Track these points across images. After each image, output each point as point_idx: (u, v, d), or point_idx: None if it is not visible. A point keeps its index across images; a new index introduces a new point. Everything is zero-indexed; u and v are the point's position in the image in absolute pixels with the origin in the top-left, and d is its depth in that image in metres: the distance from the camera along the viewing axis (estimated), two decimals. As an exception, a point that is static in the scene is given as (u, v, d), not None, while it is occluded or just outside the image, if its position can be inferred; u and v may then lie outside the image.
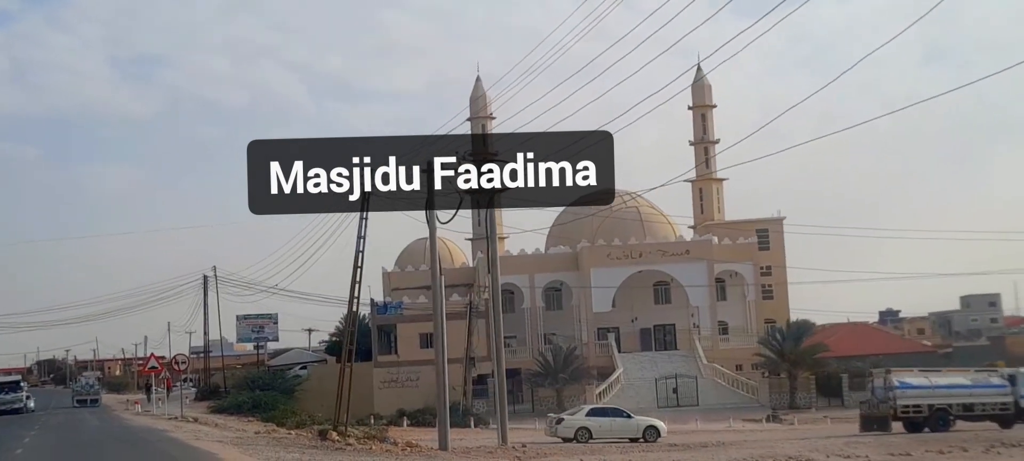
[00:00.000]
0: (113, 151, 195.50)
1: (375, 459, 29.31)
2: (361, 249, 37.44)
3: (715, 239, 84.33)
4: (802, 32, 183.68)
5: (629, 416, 48.67)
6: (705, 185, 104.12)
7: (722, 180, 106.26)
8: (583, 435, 45.87)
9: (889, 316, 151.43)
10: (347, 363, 39.14)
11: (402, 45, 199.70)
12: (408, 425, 65.42)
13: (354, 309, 38.32)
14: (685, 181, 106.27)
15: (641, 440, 46.17)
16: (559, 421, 47.40)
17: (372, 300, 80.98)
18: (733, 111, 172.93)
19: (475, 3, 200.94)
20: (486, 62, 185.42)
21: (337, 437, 35.71)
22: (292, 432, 47.51)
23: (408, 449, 34.20)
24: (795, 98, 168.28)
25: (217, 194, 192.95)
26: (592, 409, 49.68)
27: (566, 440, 45.96)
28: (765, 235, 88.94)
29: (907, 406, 45.57)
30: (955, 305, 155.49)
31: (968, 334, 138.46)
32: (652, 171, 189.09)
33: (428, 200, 36.09)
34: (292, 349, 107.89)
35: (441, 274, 37.04)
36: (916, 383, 46.34)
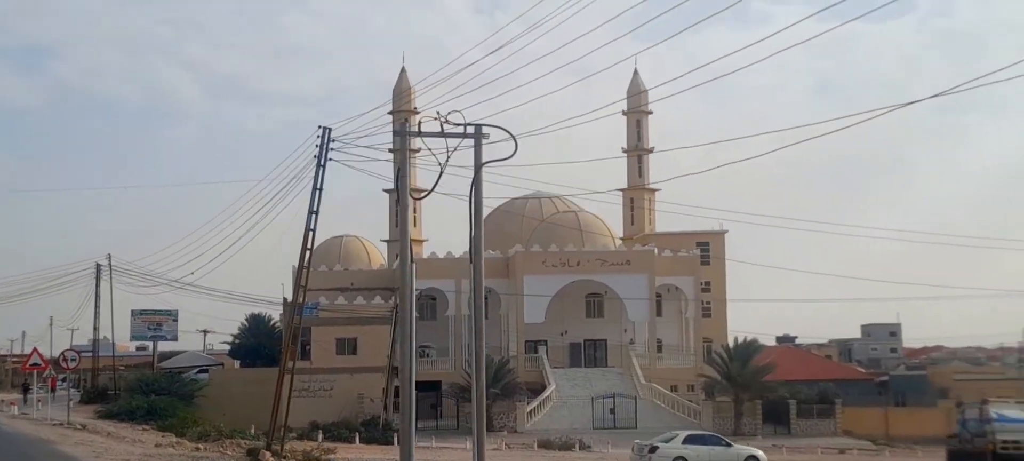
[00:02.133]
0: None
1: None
2: (316, 210, 30.86)
3: (656, 250, 78.93)
4: (697, 60, 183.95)
5: (728, 444, 42.02)
6: (637, 195, 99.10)
7: (655, 190, 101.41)
8: None
9: (786, 342, 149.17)
10: (288, 362, 32.44)
11: (301, 49, 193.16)
12: (323, 439, 58.50)
13: (302, 281, 31.61)
14: (616, 190, 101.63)
15: None
16: (652, 449, 40.00)
17: (284, 299, 73.66)
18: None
19: (376, 11, 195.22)
20: (385, 70, 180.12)
21: (271, 458, 28.91)
22: (201, 447, 40.47)
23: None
24: (687, 124, 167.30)
25: (108, 187, 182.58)
26: (689, 436, 42.40)
27: None
28: (706, 248, 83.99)
29: (1007, 442, 39.27)
30: (855, 333, 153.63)
31: (869, 363, 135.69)
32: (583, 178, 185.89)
33: (400, 170, 29.54)
34: (184, 351, 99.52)
35: (412, 263, 30.36)
36: (1016, 416, 40.19)
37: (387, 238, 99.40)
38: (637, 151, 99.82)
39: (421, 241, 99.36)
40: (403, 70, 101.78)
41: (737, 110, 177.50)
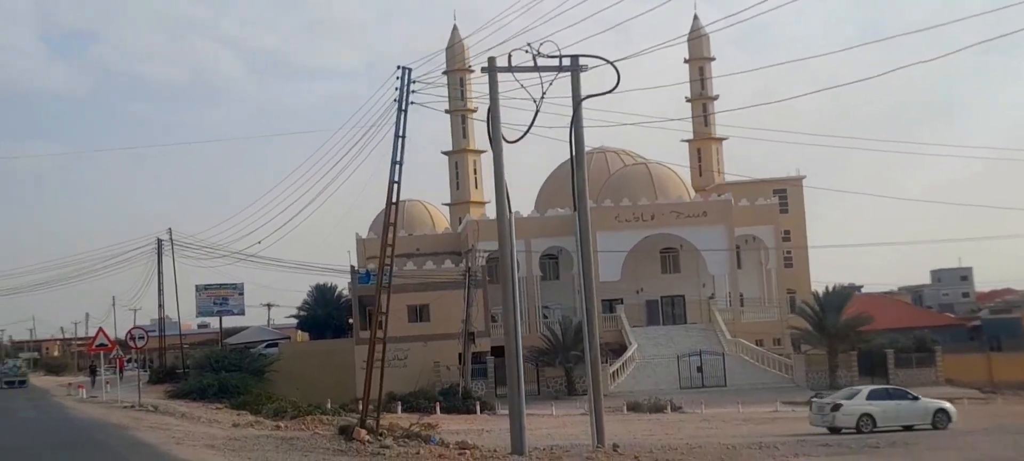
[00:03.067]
0: (45, 126, 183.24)
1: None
2: (399, 159, 28.11)
3: (733, 199, 75.42)
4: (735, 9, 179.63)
5: (916, 398, 38.53)
6: (703, 145, 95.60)
7: (722, 140, 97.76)
8: (866, 424, 35.92)
9: (852, 289, 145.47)
10: (379, 329, 29.77)
11: (338, 22, 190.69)
12: (402, 411, 55.97)
13: (389, 240, 28.89)
14: (682, 141, 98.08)
15: (930, 428, 36.46)
16: (836, 407, 36.58)
17: (352, 267, 71.24)
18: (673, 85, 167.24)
19: None
20: (423, 43, 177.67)
21: (367, 436, 26.20)
22: (281, 425, 38.01)
23: (467, 453, 24.79)
24: (729, 75, 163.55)
25: (158, 170, 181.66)
26: (872, 391, 38.78)
27: (833, 431, 35.91)
28: (783, 196, 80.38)
29: None
30: (925, 279, 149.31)
31: (940, 308, 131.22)
32: (644, 134, 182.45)
33: (491, 109, 26.62)
34: (246, 327, 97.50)
35: (510, 213, 27.49)
36: None
37: (449, 201, 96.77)
38: (702, 99, 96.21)
39: (482, 203, 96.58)
40: (455, 27, 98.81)
41: (778, 59, 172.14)
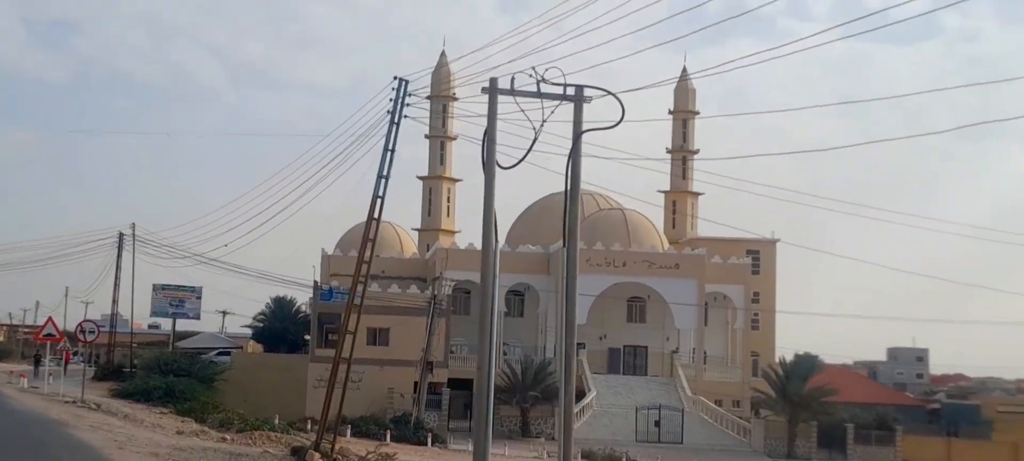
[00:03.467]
0: (20, 111, 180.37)
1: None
2: (386, 174, 26.82)
3: (707, 255, 74.56)
4: (720, 75, 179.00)
5: None
6: (679, 198, 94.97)
7: (698, 194, 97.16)
8: None
9: (816, 359, 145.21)
10: (346, 333, 28.40)
11: (324, 39, 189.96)
12: (351, 435, 54.36)
13: (372, 235, 27.54)
14: (658, 191, 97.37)
15: None
16: None
17: (315, 283, 69.59)
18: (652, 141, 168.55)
19: (400, 5, 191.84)
20: (409, 64, 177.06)
21: (319, 460, 24.74)
22: (227, 437, 36.40)
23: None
24: (708, 136, 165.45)
25: (130, 163, 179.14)
26: None
27: None
28: (756, 257, 79.65)
29: None
30: (880, 356, 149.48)
31: (894, 387, 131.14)
32: (621, 180, 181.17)
33: (488, 131, 25.40)
34: (199, 333, 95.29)
35: (496, 243, 26.18)
36: None
37: (419, 226, 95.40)
38: (682, 152, 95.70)
39: (453, 232, 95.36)
40: (443, 53, 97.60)
41: (757, 125, 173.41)
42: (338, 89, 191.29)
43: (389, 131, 27.35)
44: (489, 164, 25.41)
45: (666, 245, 78.58)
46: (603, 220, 76.97)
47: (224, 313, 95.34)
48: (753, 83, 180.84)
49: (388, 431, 55.42)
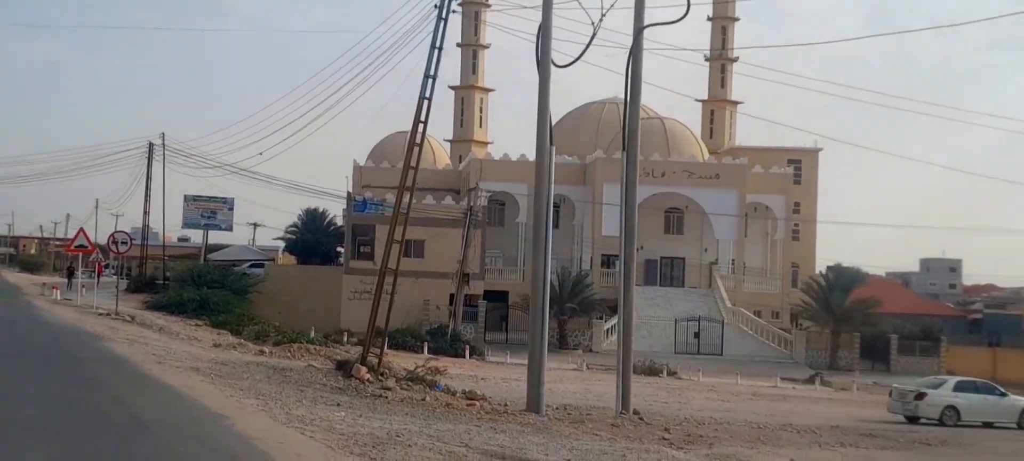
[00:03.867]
0: (48, 20, 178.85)
1: (448, 425, 17.48)
2: (433, 74, 25.37)
3: (754, 165, 72.87)
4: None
5: (1003, 393, 35.87)
6: (717, 107, 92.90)
7: (737, 103, 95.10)
8: (950, 416, 33.35)
9: (861, 272, 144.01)
10: (395, 240, 27.15)
11: None
12: (388, 347, 53.58)
13: (412, 162, 26.29)
14: (696, 100, 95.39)
15: (1015, 426, 34.15)
16: (920, 396, 33.85)
17: (348, 194, 68.45)
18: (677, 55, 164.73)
19: None
20: None
21: (367, 375, 23.72)
22: (265, 350, 35.71)
23: (476, 405, 22.37)
24: (737, 48, 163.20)
25: (159, 72, 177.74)
26: (959, 382, 35.99)
27: (912, 420, 33.40)
28: (797, 167, 77.89)
29: None
30: (914, 267, 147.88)
31: (927, 298, 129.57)
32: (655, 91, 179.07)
33: (543, 25, 23.97)
34: (229, 246, 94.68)
35: (551, 146, 24.97)
36: None
37: (451, 138, 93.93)
38: (721, 59, 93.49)
39: (485, 143, 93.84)
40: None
41: (787, 38, 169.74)
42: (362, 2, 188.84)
43: (437, 27, 25.81)
44: (544, 64, 24.01)
45: (706, 155, 76.84)
46: (641, 129, 74.99)
47: (255, 225, 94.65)
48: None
49: (425, 343, 54.59)
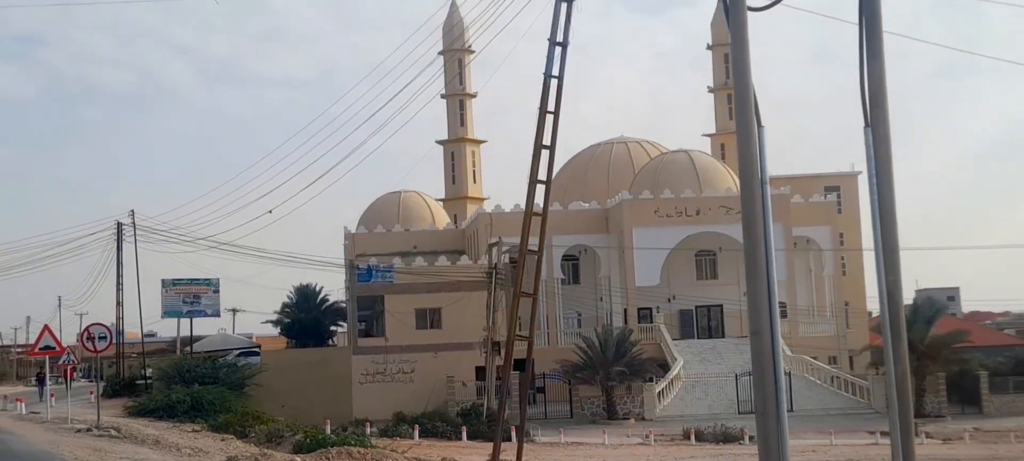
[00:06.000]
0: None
1: None
2: (563, 41, 17.73)
3: (793, 194, 65.50)
4: (692, 33, 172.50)
5: None
6: (728, 140, 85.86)
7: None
8: None
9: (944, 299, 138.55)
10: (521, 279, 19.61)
11: (291, 31, 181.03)
12: (420, 437, 45.26)
13: (543, 170, 19.56)
14: (704, 135, 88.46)
15: None
16: None
17: (351, 262, 60.31)
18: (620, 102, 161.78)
19: None
20: (380, 52, 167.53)
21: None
22: (296, 459, 27.67)
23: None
24: (682, 93, 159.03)
25: (104, 177, 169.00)
26: None
27: None
28: (836, 194, 70.71)
29: None
30: (907, 296, 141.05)
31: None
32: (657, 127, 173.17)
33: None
34: (205, 336, 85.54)
35: (759, 129, 16.79)
36: None
37: (444, 196, 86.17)
38: (727, 89, 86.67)
39: (481, 199, 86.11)
40: (453, 2, 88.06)
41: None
42: (308, 81, 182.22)
43: (557, 10, 18.12)
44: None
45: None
46: (668, 165, 67.66)
47: (235, 311, 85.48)
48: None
49: (463, 429, 46.29)
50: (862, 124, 16.05)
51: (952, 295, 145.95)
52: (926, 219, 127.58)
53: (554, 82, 21.53)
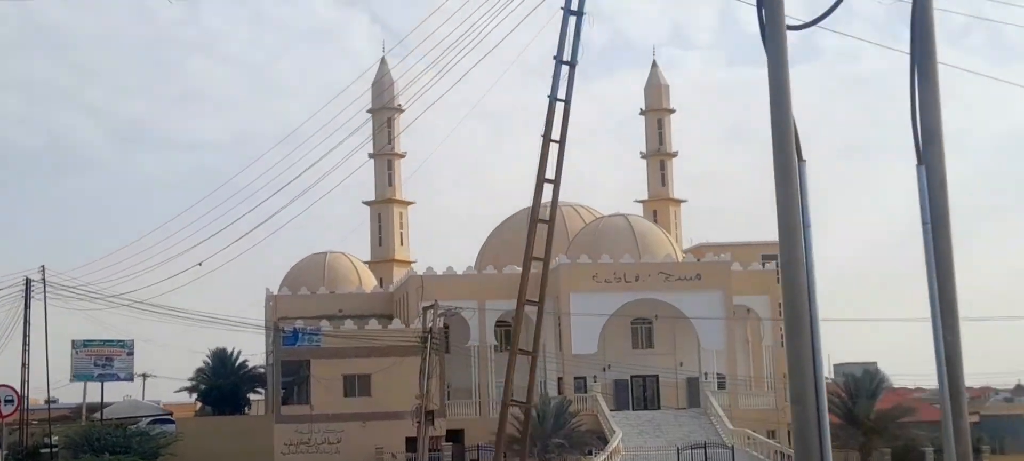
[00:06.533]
0: None
1: None
2: (571, 61, 16.18)
3: (732, 262, 64.01)
4: (608, 108, 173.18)
5: None
6: (660, 207, 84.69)
7: (681, 201, 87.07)
8: None
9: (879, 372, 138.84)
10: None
11: (206, 95, 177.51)
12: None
13: (545, 211, 21.05)
14: (636, 201, 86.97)
15: None
16: None
17: (275, 324, 57.14)
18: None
19: (282, 56, 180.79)
20: (293, 117, 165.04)
21: None
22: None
23: None
24: (598, 168, 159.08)
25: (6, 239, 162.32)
26: None
27: None
28: (773, 263, 69.32)
29: None
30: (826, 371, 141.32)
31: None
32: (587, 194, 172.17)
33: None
34: (113, 403, 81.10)
35: (800, 163, 14.63)
36: None
37: (369, 259, 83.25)
38: (659, 155, 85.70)
39: (408, 262, 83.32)
40: (383, 60, 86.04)
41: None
42: (221, 144, 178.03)
43: (562, 33, 15.96)
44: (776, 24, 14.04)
45: (680, 254, 67.77)
46: (606, 228, 65.82)
47: (145, 376, 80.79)
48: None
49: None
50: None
51: (869, 369, 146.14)
52: (836, 295, 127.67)
53: (560, 106, 19.43)
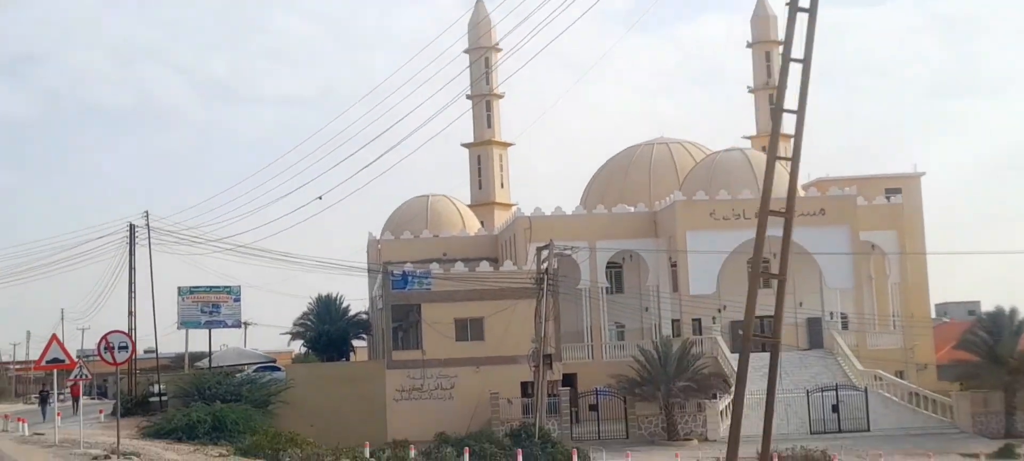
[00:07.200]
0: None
1: None
2: None
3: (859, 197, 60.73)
4: (692, 51, 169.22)
5: None
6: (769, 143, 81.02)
7: (791, 136, 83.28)
8: None
9: None
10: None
11: (290, 50, 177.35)
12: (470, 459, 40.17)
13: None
14: (743, 138, 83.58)
15: None
16: None
17: (385, 267, 55.30)
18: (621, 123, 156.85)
19: (366, 9, 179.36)
20: (378, 70, 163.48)
21: None
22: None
23: None
24: (683, 114, 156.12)
25: (103, 192, 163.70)
26: None
27: None
28: (898, 196, 65.84)
29: None
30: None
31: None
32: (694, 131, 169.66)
33: None
34: (216, 350, 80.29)
35: None
36: None
37: (470, 202, 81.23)
38: (768, 88, 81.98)
39: (509, 205, 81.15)
40: (478, 1, 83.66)
41: (731, 99, 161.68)
42: (307, 99, 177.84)
43: None
44: None
45: (800, 189, 64.46)
46: (722, 164, 62.83)
47: (246, 324, 79.59)
48: (727, 58, 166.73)
49: (520, 452, 41.18)
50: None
51: (973, 309, 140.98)
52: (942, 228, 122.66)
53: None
